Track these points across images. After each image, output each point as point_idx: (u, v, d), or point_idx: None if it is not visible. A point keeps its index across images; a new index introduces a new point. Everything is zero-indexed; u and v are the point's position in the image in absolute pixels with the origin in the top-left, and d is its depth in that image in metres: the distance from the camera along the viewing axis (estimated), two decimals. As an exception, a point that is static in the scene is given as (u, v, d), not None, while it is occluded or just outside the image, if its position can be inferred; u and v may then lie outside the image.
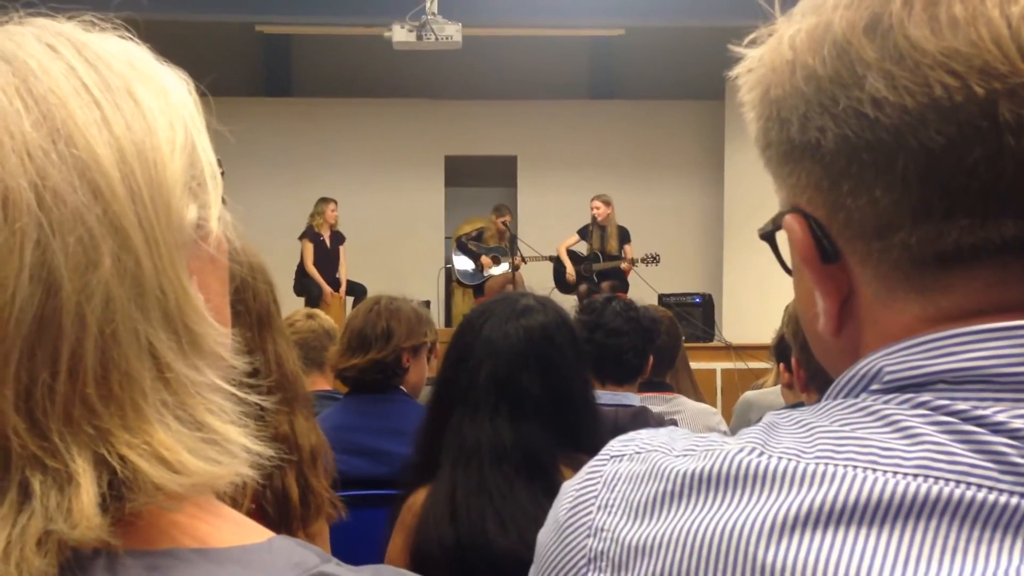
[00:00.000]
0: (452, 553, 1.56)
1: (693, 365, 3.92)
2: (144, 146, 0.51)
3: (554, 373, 1.65)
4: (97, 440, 0.47)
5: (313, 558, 0.52)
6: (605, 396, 2.48)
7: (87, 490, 0.46)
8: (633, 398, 2.59)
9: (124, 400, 0.48)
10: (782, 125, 0.54)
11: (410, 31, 6.98)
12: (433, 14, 7.07)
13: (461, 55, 8.38)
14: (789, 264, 0.58)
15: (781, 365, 2.83)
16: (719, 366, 7.13)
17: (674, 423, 2.72)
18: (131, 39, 0.55)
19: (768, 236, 0.59)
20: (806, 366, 2.09)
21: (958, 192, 0.49)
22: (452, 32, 6.99)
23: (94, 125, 0.49)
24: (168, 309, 0.50)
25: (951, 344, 0.50)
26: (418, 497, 1.67)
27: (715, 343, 7.61)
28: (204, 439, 0.50)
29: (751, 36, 0.57)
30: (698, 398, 3.38)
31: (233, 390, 0.53)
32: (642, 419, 2.46)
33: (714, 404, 6.18)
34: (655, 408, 2.74)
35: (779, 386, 3.22)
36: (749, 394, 3.35)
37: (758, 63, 0.56)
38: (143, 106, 0.52)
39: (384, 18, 7.37)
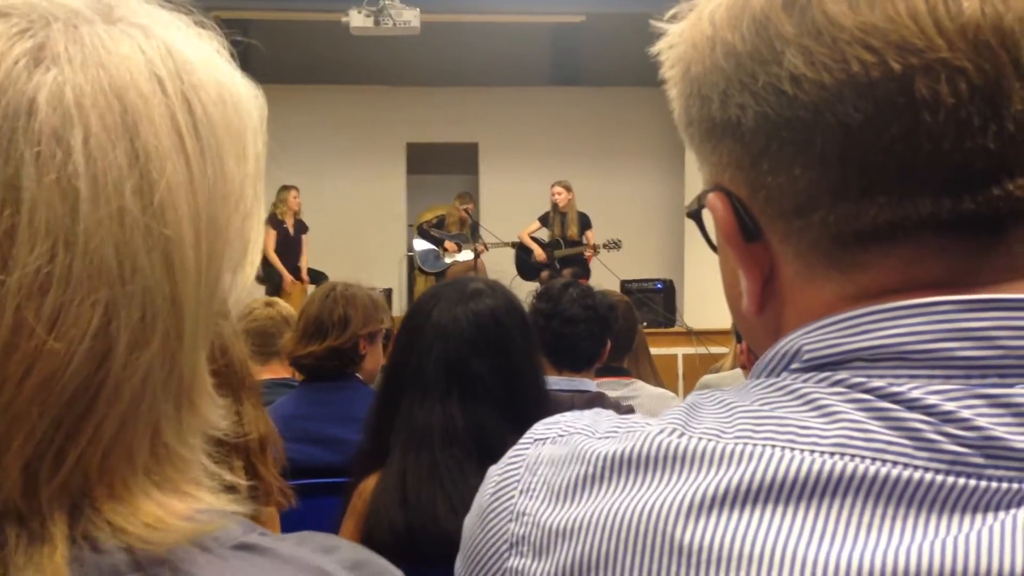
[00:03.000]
0: (403, 538, 1.56)
1: (654, 351, 3.94)
2: (217, 218, 0.48)
3: (504, 357, 1.65)
4: (83, 506, 0.46)
5: (236, 529, 0.51)
6: (561, 382, 2.48)
7: (60, 551, 0.44)
8: (589, 384, 2.59)
9: (116, 472, 0.47)
10: (703, 102, 0.54)
11: (367, 16, 6.94)
12: (390, -1, 7.03)
13: (421, 41, 8.33)
14: (715, 242, 0.58)
15: (740, 345, 2.84)
16: (680, 351, 7.17)
17: (631, 408, 2.73)
18: (215, 43, 0.52)
19: (695, 214, 0.59)
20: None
21: (875, 170, 0.49)
22: (410, 17, 6.95)
23: (184, 197, 0.47)
24: (183, 386, 0.49)
25: (868, 322, 0.50)
26: (369, 483, 1.66)
27: (676, 328, 7.65)
28: (188, 506, 0.49)
29: (672, 11, 0.56)
30: (658, 383, 3.40)
31: (212, 467, 0.52)
32: (598, 404, 2.46)
33: (676, 389, 6.22)
34: (612, 393, 2.75)
35: (737, 369, 3.24)
36: (708, 378, 3.37)
37: (679, 39, 0.56)
38: (226, 172, 0.49)
39: (341, 3, 7.31)
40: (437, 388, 1.62)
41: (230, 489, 0.53)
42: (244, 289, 0.52)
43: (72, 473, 0.45)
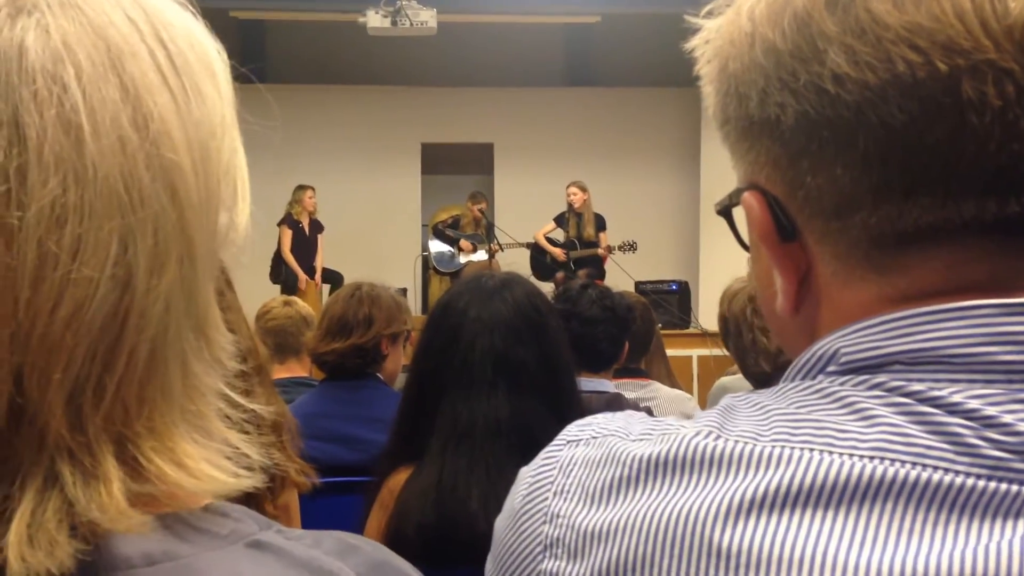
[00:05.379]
0: (430, 535, 1.55)
1: (670, 352, 3.93)
2: (208, 149, 0.50)
3: (544, 342, 1.66)
4: (126, 441, 0.47)
5: (251, 525, 0.51)
6: (580, 383, 2.47)
7: (116, 485, 0.46)
8: (608, 385, 2.59)
9: (156, 405, 0.48)
10: (740, 100, 0.53)
11: (384, 17, 6.96)
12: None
13: (437, 42, 8.35)
14: (746, 241, 0.58)
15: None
16: (696, 353, 7.15)
17: (649, 410, 2.73)
18: (186, 6, 0.54)
19: (725, 212, 0.59)
20: (741, 363, 2.08)
21: (919, 171, 0.48)
22: (427, 18, 6.97)
23: (176, 127, 0.48)
24: (199, 316, 0.50)
25: (907, 325, 0.49)
26: (398, 478, 1.66)
27: (692, 330, 7.63)
28: (219, 450, 0.51)
29: (708, 7, 0.56)
30: (673, 384, 3.39)
31: (231, 394, 0.53)
32: (616, 406, 2.46)
33: (691, 391, 6.19)
34: (630, 394, 2.74)
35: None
36: (724, 379, 3.36)
37: (716, 34, 0.55)
38: (208, 107, 0.51)
39: (359, 4, 7.33)
40: (483, 381, 1.62)
41: (253, 418, 0.54)
42: (243, 227, 0.54)
43: (113, 405, 0.46)
